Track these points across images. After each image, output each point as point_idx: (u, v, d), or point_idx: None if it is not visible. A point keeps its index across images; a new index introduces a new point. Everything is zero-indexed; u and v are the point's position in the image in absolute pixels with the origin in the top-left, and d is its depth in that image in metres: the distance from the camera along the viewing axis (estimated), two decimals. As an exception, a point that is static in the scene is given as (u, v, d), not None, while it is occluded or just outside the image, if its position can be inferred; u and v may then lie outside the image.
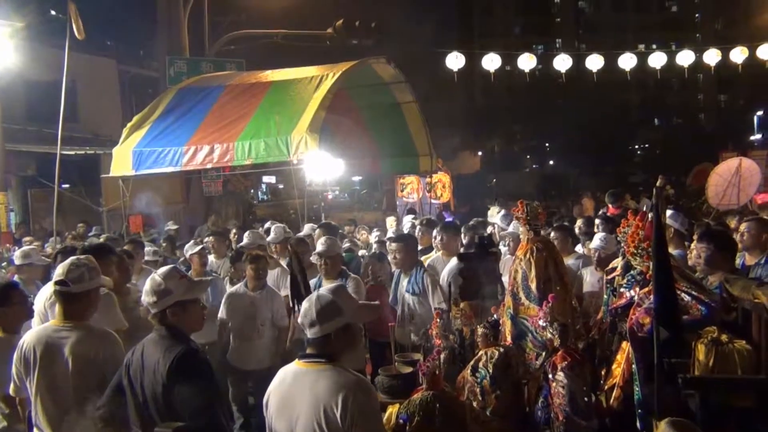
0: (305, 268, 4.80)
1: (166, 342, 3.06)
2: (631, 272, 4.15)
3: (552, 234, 6.36)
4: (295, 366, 2.86)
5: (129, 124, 10.65)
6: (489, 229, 7.86)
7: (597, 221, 7.50)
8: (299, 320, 2.91)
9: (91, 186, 13.30)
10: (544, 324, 3.70)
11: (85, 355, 3.44)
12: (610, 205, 10.21)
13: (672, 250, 4.87)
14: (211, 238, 8.01)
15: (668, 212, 5.70)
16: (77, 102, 14.31)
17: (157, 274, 3.19)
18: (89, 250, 5.08)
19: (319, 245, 5.87)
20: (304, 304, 2.85)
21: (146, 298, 3.15)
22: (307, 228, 7.80)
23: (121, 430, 3.14)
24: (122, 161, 10.03)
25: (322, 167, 9.28)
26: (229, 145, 9.35)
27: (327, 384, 2.69)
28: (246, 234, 7.65)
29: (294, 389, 2.76)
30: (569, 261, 6.13)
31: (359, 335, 3.23)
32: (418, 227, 7.58)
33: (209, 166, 9.95)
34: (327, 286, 2.94)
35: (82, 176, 13.43)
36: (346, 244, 7.96)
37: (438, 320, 4.06)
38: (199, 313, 3.25)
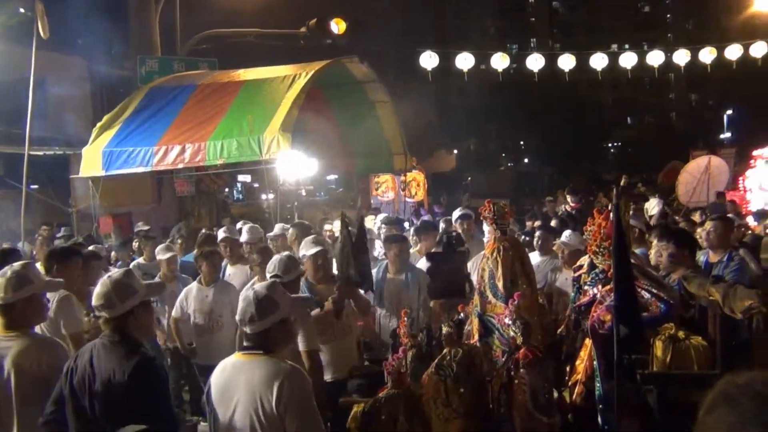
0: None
1: (120, 349, 3.00)
2: (595, 270, 4.21)
3: (537, 233, 6.43)
4: (234, 358, 3.01)
5: (99, 124, 10.54)
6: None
7: (554, 221, 7.62)
8: (237, 318, 3.04)
9: (61, 187, 13.08)
10: (509, 321, 3.75)
11: (27, 366, 3.29)
12: (569, 199, 10.44)
13: (635, 249, 4.97)
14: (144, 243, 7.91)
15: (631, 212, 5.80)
16: (46, 101, 14.03)
17: (116, 275, 3.15)
18: (55, 252, 5.05)
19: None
20: (242, 302, 2.97)
21: (99, 301, 3.05)
22: (277, 228, 7.69)
23: None
24: (92, 161, 9.93)
25: (295, 166, 9.26)
26: (200, 144, 9.30)
27: (262, 373, 2.84)
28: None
29: (232, 379, 2.91)
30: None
31: (294, 328, 3.33)
32: (383, 226, 7.56)
33: (180, 165, 9.89)
34: (261, 283, 3.11)
35: (50, 177, 13.20)
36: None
37: (405, 319, 4.09)
38: (152, 317, 3.30)
